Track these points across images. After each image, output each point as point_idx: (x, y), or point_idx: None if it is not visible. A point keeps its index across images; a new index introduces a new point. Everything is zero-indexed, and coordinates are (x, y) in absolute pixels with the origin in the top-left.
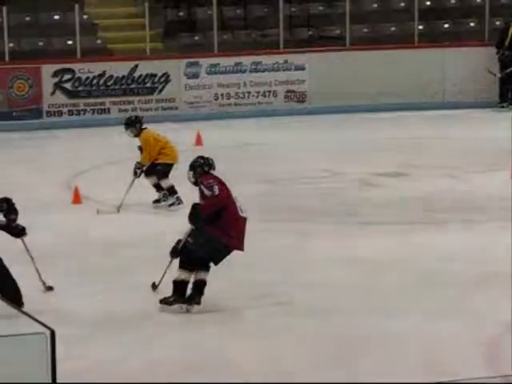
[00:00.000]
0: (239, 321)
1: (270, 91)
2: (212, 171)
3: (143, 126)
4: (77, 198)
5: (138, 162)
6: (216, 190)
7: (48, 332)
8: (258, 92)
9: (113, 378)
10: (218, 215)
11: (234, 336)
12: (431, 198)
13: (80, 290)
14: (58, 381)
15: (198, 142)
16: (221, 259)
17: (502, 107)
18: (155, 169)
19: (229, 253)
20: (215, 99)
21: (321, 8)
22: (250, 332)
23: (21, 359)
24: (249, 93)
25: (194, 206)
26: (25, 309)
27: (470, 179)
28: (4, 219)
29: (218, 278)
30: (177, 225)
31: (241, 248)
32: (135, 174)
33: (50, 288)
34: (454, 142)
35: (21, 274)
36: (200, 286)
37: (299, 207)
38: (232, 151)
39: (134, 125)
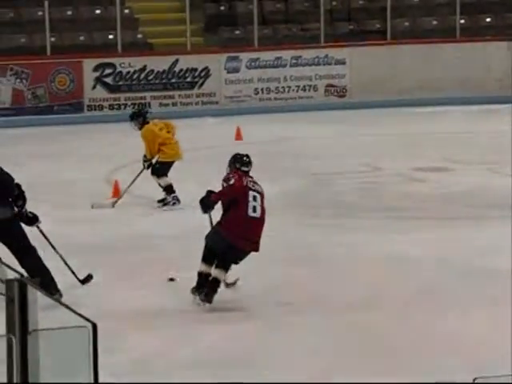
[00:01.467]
0: (275, 316)
1: (310, 85)
2: (244, 168)
3: (147, 120)
4: (116, 193)
5: (144, 155)
6: (232, 181)
7: (90, 325)
8: (299, 86)
9: (152, 372)
10: (227, 209)
11: (272, 329)
12: (472, 193)
13: (119, 285)
14: (99, 374)
15: (238, 136)
16: (232, 258)
17: None
18: (154, 167)
19: (238, 252)
20: (255, 94)
21: (361, 2)
22: (285, 327)
23: (63, 352)
24: (289, 87)
25: (207, 192)
26: (66, 302)
27: None
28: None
29: (256, 272)
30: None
31: (248, 249)
32: (144, 166)
33: (88, 278)
34: (496, 136)
35: (58, 267)
36: (213, 284)
37: (339, 202)
38: (272, 146)
39: (136, 118)
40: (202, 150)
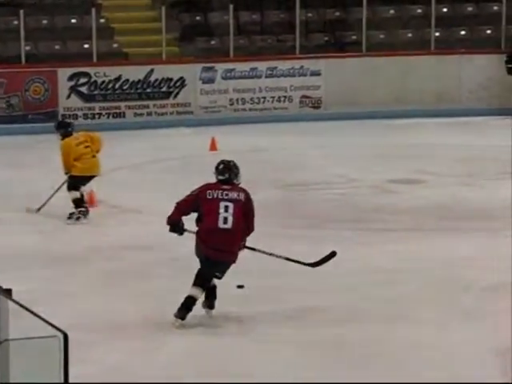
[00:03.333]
0: (250, 328)
1: (285, 96)
2: (220, 177)
3: (69, 132)
4: (92, 202)
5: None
6: (196, 190)
7: (61, 335)
8: (274, 97)
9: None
10: (198, 220)
11: (247, 342)
12: (446, 205)
13: (93, 295)
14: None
15: (213, 146)
16: (209, 271)
17: None
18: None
19: (214, 264)
20: (230, 104)
21: (337, 14)
22: (261, 339)
23: (34, 362)
24: (264, 98)
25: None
26: (38, 312)
27: (486, 187)
28: None
29: (231, 283)
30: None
31: (224, 259)
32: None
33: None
34: (470, 149)
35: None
36: (187, 301)
37: (314, 213)
38: (247, 156)
39: (57, 129)
40: (177, 160)
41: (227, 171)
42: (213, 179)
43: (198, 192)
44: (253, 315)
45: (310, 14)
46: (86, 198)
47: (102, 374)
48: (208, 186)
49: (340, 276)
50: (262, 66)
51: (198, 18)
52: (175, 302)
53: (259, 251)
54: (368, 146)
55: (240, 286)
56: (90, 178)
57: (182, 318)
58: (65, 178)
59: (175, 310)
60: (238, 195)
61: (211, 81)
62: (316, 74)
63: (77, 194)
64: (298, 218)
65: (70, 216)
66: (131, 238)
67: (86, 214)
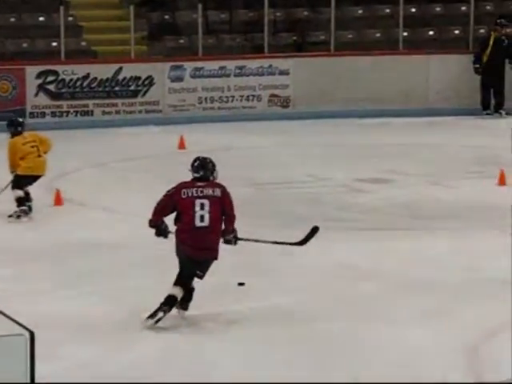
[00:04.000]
0: (219, 325)
1: (253, 95)
2: (195, 174)
3: (18, 131)
4: (58, 201)
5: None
6: (171, 190)
7: (27, 334)
8: (242, 96)
9: (90, 381)
10: (177, 218)
11: (214, 339)
12: (416, 204)
13: (61, 293)
14: (36, 382)
15: (182, 145)
16: (190, 270)
17: (488, 114)
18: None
19: (195, 263)
20: (199, 103)
21: (306, 13)
22: (230, 336)
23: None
24: (233, 97)
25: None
26: (4, 310)
27: (455, 186)
28: None
29: (201, 282)
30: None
31: (205, 257)
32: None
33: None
34: (439, 148)
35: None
36: (167, 300)
37: (283, 212)
38: (215, 155)
39: (8, 127)
40: (145, 158)
41: (202, 168)
42: (182, 178)
43: (172, 192)
44: (221, 313)
45: (278, 14)
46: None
47: (70, 373)
48: (183, 185)
49: (308, 274)
50: (231, 64)
51: (166, 16)
52: (144, 300)
53: (248, 240)
54: (336, 145)
55: (241, 284)
56: (36, 177)
57: (159, 319)
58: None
59: (145, 309)
60: (214, 191)
61: (180, 79)
62: (284, 73)
63: (20, 193)
64: (268, 217)
65: (12, 214)
66: (99, 236)
67: (27, 212)
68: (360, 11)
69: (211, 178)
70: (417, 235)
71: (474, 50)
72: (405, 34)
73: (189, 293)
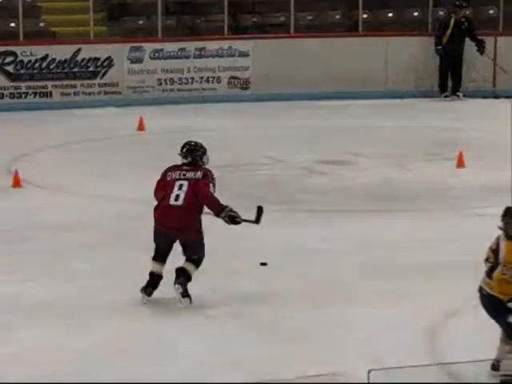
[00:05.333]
0: (178, 307)
1: (213, 77)
2: (183, 160)
3: None
4: (17, 182)
5: None
6: (161, 175)
7: None
8: (202, 78)
9: (46, 365)
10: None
11: (173, 321)
12: (376, 186)
13: (16, 276)
14: None
15: (141, 126)
16: (160, 247)
17: (446, 97)
18: None
19: (166, 239)
20: (159, 84)
21: None
22: (190, 319)
23: None
24: (192, 78)
25: None
26: None
27: (415, 168)
28: None
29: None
30: (119, 210)
31: (174, 235)
32: None
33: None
34: (398, 130)
35: None
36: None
37: (243, 194)
38: (175, 137)
39: None
40: (104, 140)
41: (190, 154)
42: (141, 159)
43: (160, 177)
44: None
45: None
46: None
47: (22, 358)
48: (169, 168)
49: (268, 256)
50: (191, 46)
51: None
52: (102, 282)
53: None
54: (296, 127)
55: (263, 264)
56: None
57: (148, 295)
58: None
59: (102, 291)
60: (195, 174)
61: (139, 61)
62: (244, 54)
63: None
64: (227, 200)
65: None
66: (56, 218)
67: None
68: None
69: (200, 162)
70: (377, 217)
71: (432, 32)
72: (364, 16)
73: (181, 271)
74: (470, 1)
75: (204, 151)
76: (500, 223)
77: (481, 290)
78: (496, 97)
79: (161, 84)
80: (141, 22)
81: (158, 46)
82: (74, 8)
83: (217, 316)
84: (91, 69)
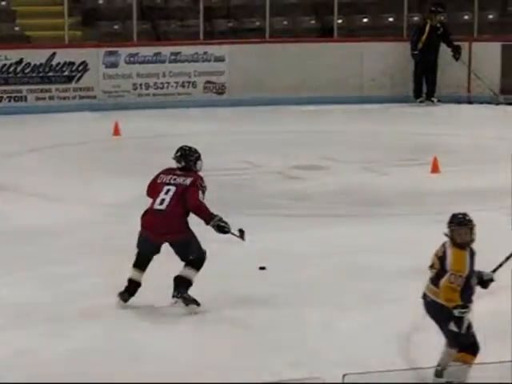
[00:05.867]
0: (152, 311)
1: (189, 82)
2: (176, 163)
3: None
4: None
5: None
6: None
7: None
8: (177, 82)
9: (26, 369)
10: None
11: (148, 327)
12: (351, 191)
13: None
14: None
15: (116, 131)
16: (142, 252)
17: (421, 102)
18: None
19: (149, 245)
20: (134, 89)
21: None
22: (160, 322)
23: None
24: (168, 83)
25: None
26: None
27: (390, 173)
28: None
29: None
30: (94, 214)
31: (155, 240)
32: None
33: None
34: (373, 136)
35: None
36: (128, 285)
37: (220, 199)
38: (150, 142)
39: None
40: (79, 144)
41: (183, 159)
42: (117, 164)
43: (153, 178)
44: (157, 300)
45: (213, 0)
46: None
47: (5, 361)
48: (163, 171)
49: (244, 261)
50: (166, 50)
51: (100, 1)
52: (79, 286)
53: (231, 233)
54: (272, 132)
55: (262, 268)
56: None
57: (125, 301)
58: None
59: (80, 295)
60: (184, 180)
61: (114, 65)
62: (220, 59)
63: None
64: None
65: None
66: (32, 222)
67: None
68: None
69: (194, 168)
70: (351, 222)
71: (407, 37)
72: (339, 21)
73: (179, 280)
74: (445, 6)
75: (198, 156)
76: (446, 230)
77: (425, 296)
78: (470, 102)
79: (136, 89)
80: (116, 27)
81: (133, 50)
82: (49, 12)
83: (203, 321)
84: (66, 73)
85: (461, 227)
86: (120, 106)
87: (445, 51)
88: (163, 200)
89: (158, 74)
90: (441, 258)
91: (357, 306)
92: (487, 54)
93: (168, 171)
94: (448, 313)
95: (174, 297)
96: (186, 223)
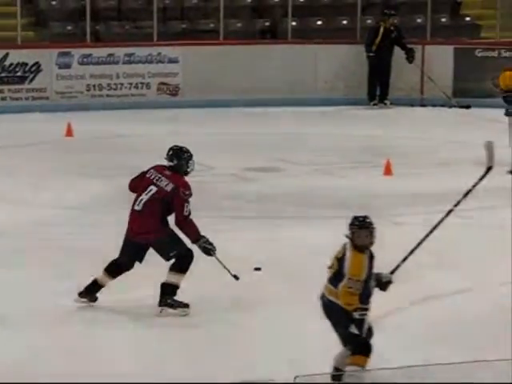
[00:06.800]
0: (106, 312)
1: (142, 83)
2: (168, 161)
3: None
4: None
5: None
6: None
7: None
8: (131, 84)
9: None
10: None
11: (106, 327)
12: (303, 193)
13: None
14: None
15: (69, 132)
16: (121, 256)
17: (375, 105)
18: None
19: (131, 245)
20: (87, 90)
21: (195, 1)
22: (117, 325)
23: None
24: (121, 84)
25: None
26: None
27: (343, 176)
28: None
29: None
30: (44, 216)
31: (133, 239)
32: None
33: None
34: (327, 138)
35: None
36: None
37: None
38: (103, 143)
39: None
40: (31, 145)
41: (175, 157)
42: (69, 165)
43: (145, 170)
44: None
45: (167, 1)
46: None
47: None
48: (155, 166)
49: (193, 263)
50: (120, 52)
51: (53, 2)
52: (27, 289)
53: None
54: (225, 133)
55: (257, 269)
56: None
57: (84, 297)
58: None
59: (27, 298)
60: (167, 185)
61: (67, 66)
62: (174, 61)
63: None
64: None
65: None
66: None
67: None
68: (249, 0)
69: (185, 168)
70: (304, 223)
71: (361, 40)
72: (293, 23)
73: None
74: (397, 9)
75: (190, 156)
76: (347, 231)
77: (323, 297)
78: (423, 105)
79: (89, 89)
80: (69, 28)
81: (86, 51)
82: (1, 13)
83: (146, 326)
84: (19, 74)
85: (361, 230)
86: (73, 107)
87: (398, 54)
88: (141, 200)
89: (111, 75)
90: (339, 259)
91: (305, 309)
92: (440, 57)
93: (159, 168)
94: (346, 315)
95: (159, 305)
96: (163, 222)
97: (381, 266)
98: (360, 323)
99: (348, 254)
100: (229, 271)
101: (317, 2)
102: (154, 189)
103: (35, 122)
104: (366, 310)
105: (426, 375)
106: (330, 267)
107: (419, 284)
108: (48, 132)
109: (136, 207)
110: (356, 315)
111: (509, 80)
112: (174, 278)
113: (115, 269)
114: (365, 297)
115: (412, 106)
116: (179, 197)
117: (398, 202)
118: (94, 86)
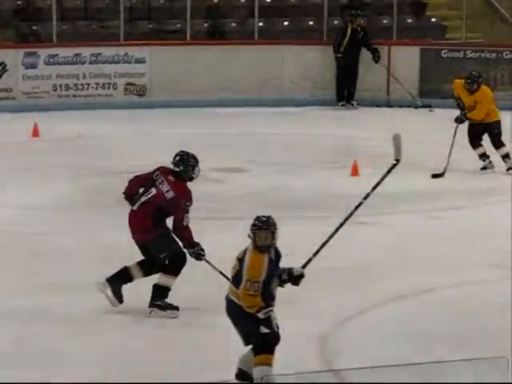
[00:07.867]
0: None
1: (109, 83)
2: (174, 167)
3: None
4: None
5: None
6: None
7: None
8: (98, 84)
9: None
10: None
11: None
12: (270, 193)
13: None
14: None
15: (35, 133)
16: (142, 253)
17: (343, 106)
18: None
19: (136, 244)
20: (54, 90)
21: (162, 1)
22: (82, 326)
23: None
24: (88, 84)
25: None
26: None
27: (310, 176)
28: None
29: (66, 274)
30: (10, 217)
31: (133, 239)
32: None
33: None
34: (294, 138)
35: None
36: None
37: None
38: (70, 143)
39: None
40: None
41: (181, 164)
42: (35, 166)
43: (150, 171)
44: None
45: (134, 1)
46: None
47: None
48: (161, 169)
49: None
50: (86, 52)
51: (19, 2)
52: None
53: (210, 264)
54: (192, 134)
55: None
56: None
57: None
58: None
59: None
60: (168, 191)
61: (34, 66)
62: (141, 61)
63: None
64: (123, 207)
65: None
66: None
67: None
68: (216, 0)
69: (191, 174)
70: None
71: (328, 40)
72: (260, 24)
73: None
74: (363, 10)
75: (196, 162)
76: (249, 232)
77: (227, 297)
78: (390, 106)
79: (56, 90)
80: (35, 28)
81: (52, 51)
82: None
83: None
84: None
85: (261, 230)
86: (39, 107)
87: (364, 54)
88: (140, 201)
89: (78, 75)
90: (240, 260)
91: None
92: (406, 58)
93: (164, 171)
94: (246, 314)
95: (149, 307)
96: (156, 224)
97: (345, 265)
98: (267, 321)
99: (248, 254)
100: (223, 274)
101: (283, 2)
102: (153, 191)
103: (1, 123)
104: (270, 306)
105: (399, 373)
106: (233, 267)
107: (394, 282)
108: (14, 132)
109: (134, 207)
110: (260, 315)
111: (459, 89)
112: (165, 281)
113: (141, 260)
114: (267, 296)
115: (378, 106)
116: (180, 207)
117: (365, 202)
118: (60, 86)
